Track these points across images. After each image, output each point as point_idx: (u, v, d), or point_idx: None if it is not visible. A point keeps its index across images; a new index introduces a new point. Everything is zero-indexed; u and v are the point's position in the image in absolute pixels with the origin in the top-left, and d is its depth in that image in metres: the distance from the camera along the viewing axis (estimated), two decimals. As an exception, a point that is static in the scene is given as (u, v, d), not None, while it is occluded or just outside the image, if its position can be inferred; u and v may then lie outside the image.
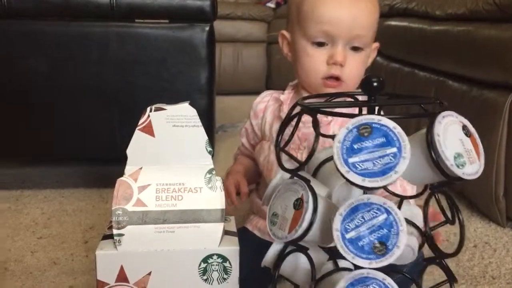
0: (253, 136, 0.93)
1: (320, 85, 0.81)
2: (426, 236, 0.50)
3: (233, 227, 0.65)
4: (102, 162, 1.43)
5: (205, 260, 0.59)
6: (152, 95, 1.24)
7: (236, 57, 3.20)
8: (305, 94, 0.85)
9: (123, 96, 1.24)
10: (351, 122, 0.46)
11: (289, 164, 0.53)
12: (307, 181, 0.50)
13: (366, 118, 0.46)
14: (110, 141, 1.26)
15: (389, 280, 0.46)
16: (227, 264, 0.59)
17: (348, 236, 0.46)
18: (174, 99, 1.40)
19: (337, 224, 0.46)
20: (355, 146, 0.45)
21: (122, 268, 0.59)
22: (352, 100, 0.60)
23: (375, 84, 0.49)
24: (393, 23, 1.84)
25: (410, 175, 0.49)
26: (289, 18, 0.86)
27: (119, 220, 0.60)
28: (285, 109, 0.86)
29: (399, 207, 0.58)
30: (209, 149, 0.62)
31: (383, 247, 0.45)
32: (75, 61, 1.22)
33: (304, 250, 0.51)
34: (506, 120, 1.10)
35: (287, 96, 0.87)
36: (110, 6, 1.20)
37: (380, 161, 0.44)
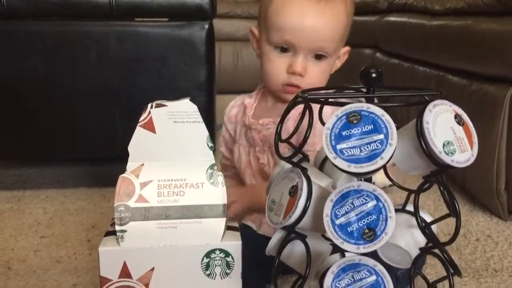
0: (231, 142, 0.93)
1: (280, 91, 0.82)
2: (421, 226, 0.50)
3: (235, 223, 0.66)
4: (103, 161, 1.44)
5: (207, 255, 0.59)
6: (152, 93, 1.24)
7: (235, 56, 3.20)
8: (269, 98, 0.86)
9: (123, 95, 1.24)
10: (341, 110, 0.47)
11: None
12: (303, 169, 0.51)
13: (355, 106, 0.47)
14: (111, 140, 1.26)
15: (379, 267, 0.47)
16: (229, 259, 0.60)
17: (338, 221, 0.47)
18: (174, 97, 1.40)
19: (327, 210, 0.47)
20: (344, 133, 0.46)
21: (125, 264, 0.59)
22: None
23: (373, 75, 0.49)
24: (392, 18, 1.84)
25: (403, 164, 0.50)
26: (259, 17, 0.85)
27: (121, 216, 0.60)
28: (249, 113, 0.87)
29: (406, 201, 0.58)
30: (210, 144, 0.62)
31: (371, 233, 0.45)
32: (75, 61, 1.22)
33: (302, 237, 0.52)
34: (507, 114, 1.10)
35: (252, 100, 0.89)
36: (109, 5, 1.20)
37: (367, 147, 0.45)
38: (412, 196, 0.53)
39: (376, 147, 0.45)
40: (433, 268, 0.87)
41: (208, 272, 0.60)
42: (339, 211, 0.47)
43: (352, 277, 0.47)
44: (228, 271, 0.60)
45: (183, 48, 1.24)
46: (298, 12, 0.77)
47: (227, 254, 0.59)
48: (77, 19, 1.22)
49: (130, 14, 1.22)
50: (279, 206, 0.52)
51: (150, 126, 0.62)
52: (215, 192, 0.61)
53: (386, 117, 0.46)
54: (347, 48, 0.85)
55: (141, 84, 1.24)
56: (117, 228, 0.60)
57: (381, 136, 0.45)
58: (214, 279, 0.60)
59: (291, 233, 0.52)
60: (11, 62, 1.21)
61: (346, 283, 0.47)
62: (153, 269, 0.60)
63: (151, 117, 0.62)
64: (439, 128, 0.47)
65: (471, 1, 1.25)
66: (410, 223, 0.56)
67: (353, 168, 0.45)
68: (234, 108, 0.92)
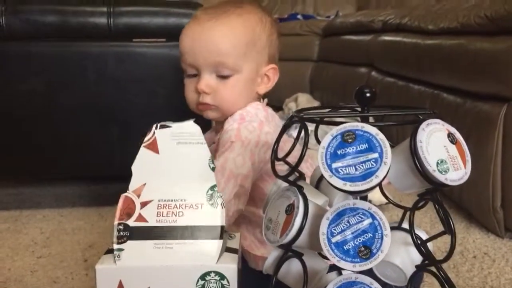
0: None
1: (196, 110, 0.86)
2: (416, 243, 0.50)
3: (236, 244, 0.65)
4: (101, 181, 1.44)
5: (202, 277, 0.59)
6: (150, 113, 1.25)
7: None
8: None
9: (121, 114, 1.25)
10: (336, 129, 0.48)
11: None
12: (299, 188, 0.51)
13: (350, 125, 0.48)
14: (109, 159, 1.26)
15: (376, 285, 0.47)
16: (224, 282, 0.59)
17: (334, 240, 0.47)
18: (171, 116, 1.40)
19: (323, 228, 0.47)
20: (339, 152, 0.47)
21: (121, 283, 0.59)
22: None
23: (367, 94, 0.50)
24: (387, 38, 1.87)
25: (398, 183, 0.50)
26: None
27: (120, 235, 0.61)
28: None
29: (402, 218, 0.58)
30: (212, 165, 0.63)
31: (367, 251, 0.46)
32: (73, 81, 1.23)
33: (299, 256, 0.52)
34: (501, 131, 1.11)
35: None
36: (107, 26, 1.22)
37: (362, 166, 0.46)
38: (408, 213, 0.53)
39: (371, 166, 0.46)
40: (431, 286, 0.87)
41: None
42: (335, 229, 0.47)
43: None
44: None
45: (180, 68, 1.25)
46: (190, 32, 0.82)
47: (222, 277, 0.59)
48: (76, 40, 1.23)
49: (128, 35, 1.24)
50: (275, 224, 0.52)
51: (153, 147, 0.63)
52: (213, 214, 0.61)
53: (381, 136, 0.47)
54: (271, 66, 0.86)
55: (138, 103, 1.25)
56: (115, 246, 0.60)
57: (376, 155, 0.46)
58: None
59: (288, 251, 0.52)
60: (10, 82, 1.22)
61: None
62: None
63: (155, 138, 0.63)
64: (433, 146, 0.47)
65: (464, 21, 1.28)
66: (405, 240, 0.56)
67: (349, 186, 0.46)
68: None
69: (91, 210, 1.32)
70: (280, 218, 0.52)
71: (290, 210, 0.51)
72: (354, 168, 0.46)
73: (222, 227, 0.61)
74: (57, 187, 1.50)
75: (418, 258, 0.54)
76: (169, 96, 1.25)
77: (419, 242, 0.51)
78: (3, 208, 1.34)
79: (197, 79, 0.83)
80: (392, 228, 0.54)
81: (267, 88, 0.87)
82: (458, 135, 0.50)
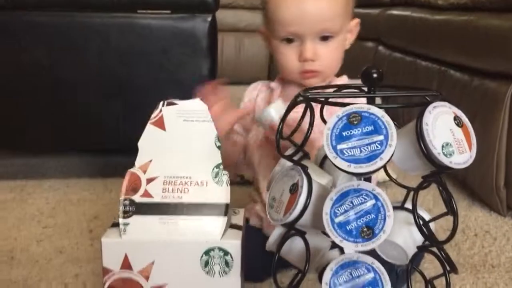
0: (247, 122, 0.94)
1: (299, 79, 0.84)
2: (418, 224, 0.50)
3: (240, 221, 0.66)
4: (106, 152, 1.44)
5: (206, 252, 0.60)
6: (154, 86, 1.24)
7: (238, 47, 3.19)
8: (292, 85, 0.87)
9: (125, 87, 1.25)
10: (342, 111, 0.48)
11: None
12: (304, 167, 0.51)
13: (356, 106, 0.48)
14: (113, 131, 1.27)
15: (377, 264, 0.48)
16: (228, 258, 0.60)
17: (337, 220, 0.47)
18: (176, 90, 1.40)
19: (327, 208, 0.48)
20: (344, 134, 0.47)
21: (126, 256, 0.61)
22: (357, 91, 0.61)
23: (374, 75, 0.50)
24: (395, 12, 1.84)
25: (403, 164, 0.50)
26: (263, 15, 0.88)
27: (125, 210, 0.62)
28: (275, 95, 0.89)
29: (406, 198, 0.59)
30: (218, 144, 0.63)
31: (370, 231, 0.46)
32: (77, 53, 1.23)
33: (301, 234, 0.53)
34: (507, 110, 1.10)
35: (277, 84, 0.90)
36: (112, -3, 1.21)
37: (367, 148, 0.46)
38: (411, 194, 0.53)
39: (376, 148, 0.46)
40: (431, 263, 0.88)
41: (207, 270, 0.61)
42: (338, 210, 0.48)
43: (351, 274, 0.48)
44: (227, 269, 0.60)
45: (185, 41, 1.24)
46: (295, 1, 0.79)
47: (226, 252, 0.60)
48: (80, 10, 1.22)
49: (133, 6, 1.23)
50: (279, 203, 0.53)
51: (160, 124, 0.64)
52: (219, 191, 0.62)
53: (386, 118, 0.46)
54: (356, 21, 0.86)
55: (143, 76, 1.24)
56: (121, 220, 0.62)
57: (381, 137, 0.46)
58: (213, 276, 0.61)
59: (291, 230, 0.53)
60: (14, 53, 1.21)
61: (344, 279, 0.48)
62: (153, 262, 0.61)
63: (162, 115, 0.64)
64: (439, 129, 0.47)
65: (474, -3, 1.25)
66: (408, 220, 0.56)
67: (353, 168, 0.46)
68: (254, 90, 0.94)
69: (96, 181, 1.33)
70: (284, 197, 0.52)
71: (294, 189, 0.51)
72: (359, 150, 0.46)
73: (227, 204, 0.61)
74: (63, 157, 1.51)
75: (420, 238, 0.54)
76: (174, 70, 1.24)
77: (421, 223, 0.51)
78: (9, 178, 1.35)
79: (297, 45, 0.81)
80: (395, 208, 0.55)
81: (350, 44, 0.87)
82: (464, 118, 0.50)
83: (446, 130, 0.48)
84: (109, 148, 1.35)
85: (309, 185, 0.50)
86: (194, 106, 0.64)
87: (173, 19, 1.24)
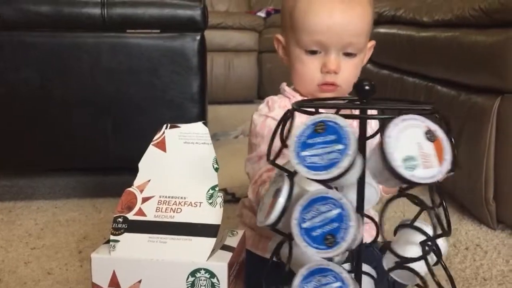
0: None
1: (316, 91, 0.82)
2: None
3: (234, 242, 0.65)
4: (95, 172, 1.44)
5: (192, 274, 0.59)
6: (144, 105, 1.24)
7: (227, 67, 3.22)
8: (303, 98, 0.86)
9: (116, 106, 1.25)
10: (310, 119, 0.49)
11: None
12: (290, 173, 0.52)
13: (323, 116, 0.49)
14: (103, 151, 1.26)
15: (345, 274, 0.48)
16: (214, 280, 0.59)
17: (304, 225, 0.48)
18: (166, 108, 1.40)
19: (296, 213, 0.49)
20: (309, 141, 0.48)
21: (114, 273, 0.60)
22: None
23: (366, 87, 0.50)
24: (381, 30, 1.87)
25: (376, 177, 0.51)
26: (283, 23, 0.86)
27: (118, 227, 0.62)
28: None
29: (415, 217, 0.59)
30: (216, 166, 0.64)
31: (332, 239, 0.47)
32: (67, 72, 1.23)
33: (287, 236, 0.53)
34: (495, 124, 1.11)
35: (295, 98, 0.85)
36: (101, 17, 1.21)
37: (327, 156, 0.47)
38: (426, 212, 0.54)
39: (335, 157, 0.47)
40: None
41: None
42: (306, 216, 0.49)
43: (319, 281, 0.49)
44: None
45: (175, 59, 1.25)
46: (325, 11, 0.78)
47: (212, 275, 0.59)
48: (70, 30, 1.23)
49: (122, 26, 1.23)
50: (265, 206, 0.54)
51: (162, 146, 0.65)
52: (211, 212, 0.62)
53: (349, 128, 0.47)
54: (372, 42, 0.86)
55: (133, 95, 1.24)
56: (111, 237, 0.62)
57: (341, 146, 0.47)
58: None
59: (274, 231, 0.53)
60: (4, 73, 1.21)
61: (313, 286, 0.49)
62: (140, 281, 0.60)
63: (164, 137, 0.65)
64: (403, 142, 0.47)
65: (458, 13, 1.28)
66: (414, 239, 0.57)
67: (311, 175, 0.47)
68: (278, 104, 0.86)
69: (85, 201, 1.32)
70: (268, 201, 0.54)
71: (276, 193, 0.52)
72: (320, 158, 0.47)
73: (218, 225, 0.61)
74: (52, 178, 1.49)
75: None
76: (164, 88, 1.25)
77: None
78: (-4, 200, 1.34)
79: (320, 56, 0.80)
80: (404, 226, 0.57)
81: (363, 64, 0.86)
82: (439, 133, 0.48)
83: (412, 144, 0.47)
84: (99, 167, 1.35)
85: (290, 189, 0.51)
86: (196, 129, 0.65)
87: (162, 38, 1.25)
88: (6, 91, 1.22)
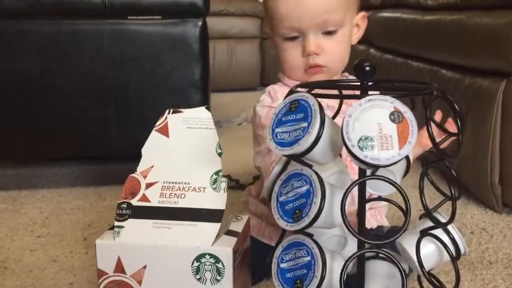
0: None
1: (304, 76, 0.82)
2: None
3: (239, 227, 0.65)
4: (98, 160, 1.44)
5: (197, 259, 0.59)
6: (146, 91, 1.24)
7: (230, 54, 3.20)
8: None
9: (118, 93, 1.24)
10: (288, 98, 0.51)
11: None
12: (308, 164, 0.52)
13: (298, 95, 0.50)
14: (106, 139, 1.26)
15: (316, 250, 0.50)
16: (219, 265, 0.59)
17: (280, 199, 0.51)
18: (168, 95, 1.39)
19: (276, 187, 0.52)
20: (283, 119, 0.50)
21: (119, 259, 0.60)
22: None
23: (367, 68, 0.50)
24: (385, 14, 1.85)
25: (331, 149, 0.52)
26: (265, 16, 0.87)
27: (122, 213, 0.62)
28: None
29: (436, 207, 0.59)
30: (219, 151, 0.63)
31: (300, 214, 0.49)
32: (68, 60, 1.22)
33: (309, 236, 0.53)
34: (500, 107, 1.10)
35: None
36: (102, 4, 1.20)
37: (293, 133, 0.49)
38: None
39: (299, 134, 0.48)
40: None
41: (198, 277, 0.59)
42: (283, 190, 0.51)
43: (295, 254, 0.52)
44: (218, 277, 0.59)
45: (176, 46, 1.24)
46: None
47: (217, 260, 0.59)
48: (71, 18, 1.22)
49: (123, 13, 1.23)
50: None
51: (164, 131, 0.65)
52: (216, 198, 0.61)
53: (315, 107, 0.48)
54: (362, 14, 0.85)
55: (135, 82, 1.24)
56: (116, 223, 0.62)
57: (305, 124, 0.48)
58: (205, 284, 0.59)
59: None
60: (5, 61, 1.21)
61: (289, 258, 0.52)
62: (145, 267, 0.60)
63: (167, 122, 0.65)
64: (362, 122, 0.46)
65: (463, -5, 1.26)
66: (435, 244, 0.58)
67: (278, 150, 0.49)
68: (279, 92, 0.86)
69: (89, 189, 1.32)
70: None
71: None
72: (288, 135, 0.49)
73: (222, 211, 0.61)
74: (55, 166, 1.49)
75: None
76: (166, 75, 1.24)
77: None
78: (1, 188, 1.34)
79: (300, 41, 0.79)
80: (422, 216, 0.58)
81: (358, 38, 0.85)
82: (408, 115, 0.47)
83: (372, 124, 0.46)
84: (102, 155, 1.35)
85: (321, 183, 0.50)
86: (199, 114, 0.65)
87: (163, 24, 1.24)
88: (7, 80, 1.21)
